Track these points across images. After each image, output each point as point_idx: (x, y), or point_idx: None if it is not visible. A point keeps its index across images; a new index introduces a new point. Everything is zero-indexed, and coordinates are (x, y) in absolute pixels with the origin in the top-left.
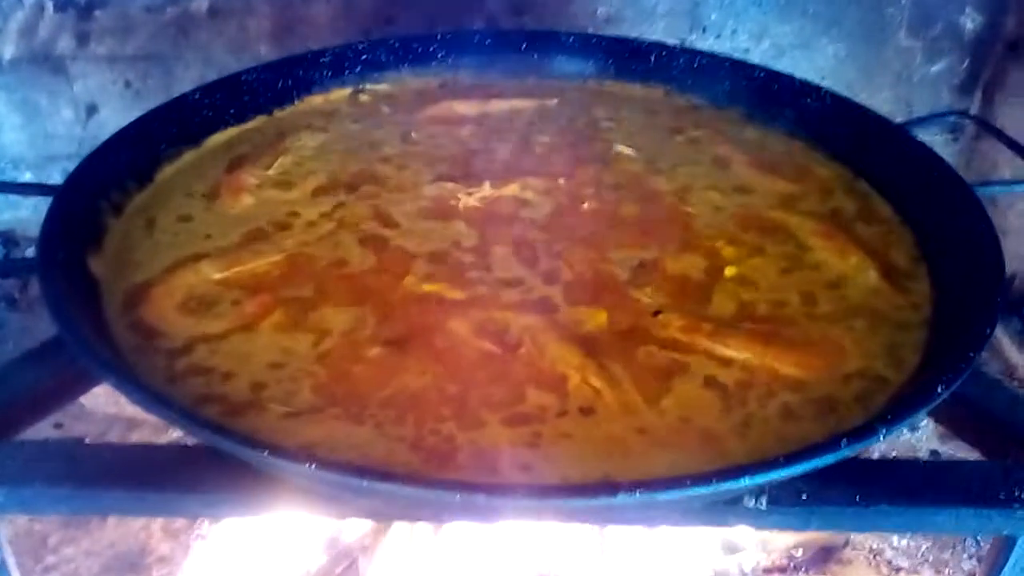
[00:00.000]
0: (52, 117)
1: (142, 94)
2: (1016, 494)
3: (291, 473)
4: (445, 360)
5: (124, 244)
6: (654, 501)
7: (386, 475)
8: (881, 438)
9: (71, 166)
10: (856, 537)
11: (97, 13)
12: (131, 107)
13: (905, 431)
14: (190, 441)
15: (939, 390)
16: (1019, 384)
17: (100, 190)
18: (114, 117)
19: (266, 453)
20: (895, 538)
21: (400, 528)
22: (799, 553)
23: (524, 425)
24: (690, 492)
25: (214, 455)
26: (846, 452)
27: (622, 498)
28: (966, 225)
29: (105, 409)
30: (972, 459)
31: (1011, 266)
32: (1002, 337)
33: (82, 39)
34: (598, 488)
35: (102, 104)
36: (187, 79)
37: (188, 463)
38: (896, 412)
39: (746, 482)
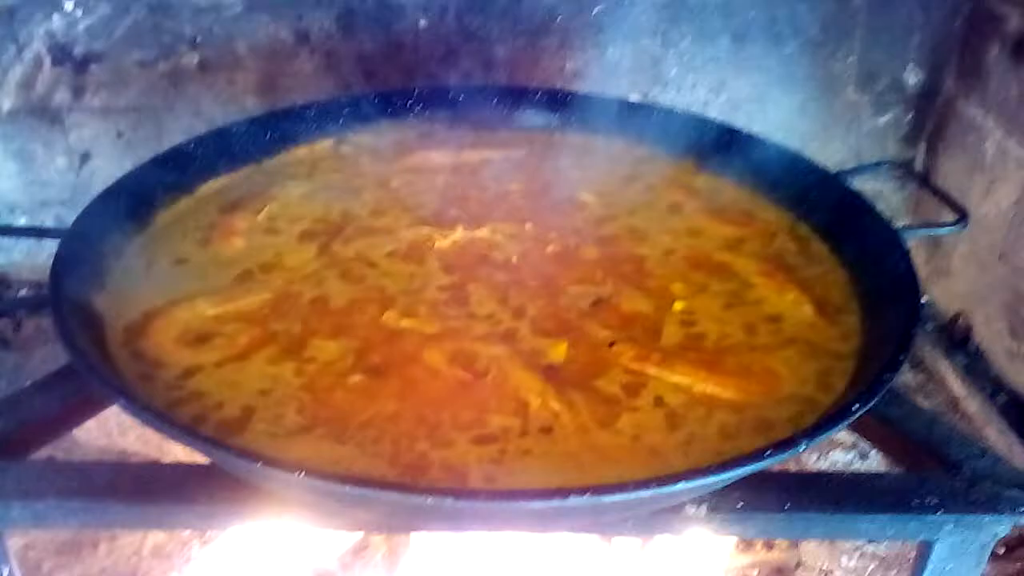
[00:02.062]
0: (47, 165)
1: (133, 143)
2: (929, 502)
3: (281, 483)
4: (419, 386)
5: (125, 283)
6: (601, 504)
7: (365, 482)
8: (802, 449)
9: (64, 211)
10: (807, 559)
11: (93, 67)
12: (123, 156)
13: (857, 460)
14: (188, 461)
15: (855, 408)
16: (962, 416)
17: (103, 234)
18: (106, 165)
19: (260, 464)
20: (844, 558)
21: (380, 547)
22: (755, 574)
23: (490, 443)
24: (632, 495)
25: (210, 473)
26: (770, 461)
27: (573, 500)
28: (891, 265)
29: (96, 442)
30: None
31: (955, 304)
32: (946, 372)
33: (78, 92)
34: (552, 492)
35: (95, 153)
36: (177, 130)
37: (187, 480)
38: (816, 427)
39: (681, 486)
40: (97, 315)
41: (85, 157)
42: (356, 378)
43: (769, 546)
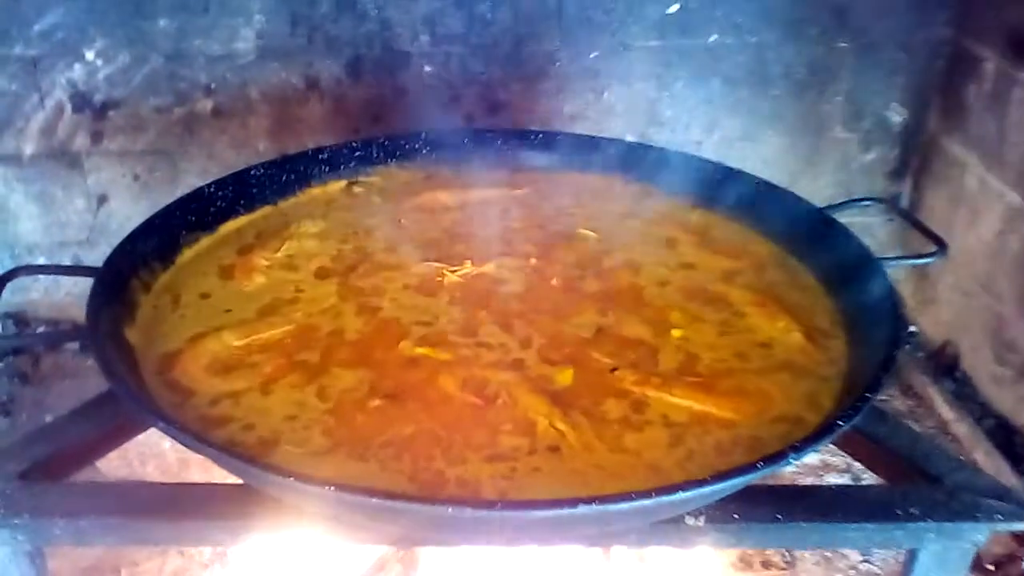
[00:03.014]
0: (66, 207)
1: (149, 185)
2: (912, 512)
3: (312, 498)
4: (434, 410)
5: (154, 317)
6: (607, 513)
7: (390, 495)
8: (791, 461)
9: (81, 252)
10: None
11: (111, 114)
12: (138, 198)
13: (849, 481)
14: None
15: (839, 424)
16: (952, 438)
17: (131, 271)
18: (122, 207)
19: (293, 480)
20: None
21: (394, 566)
22: None
23: (501, 462)
24: (636, 504)
25: (239, 492)
26: (761, 473)
27: (581, 509)
28: (874, 294)
29: (117, 471)
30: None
31: (942, 333)
32: (935, 397)
33: (96, 137)
34: (562, 502)
35: (112, 195)
36: (191, 172)
37: (217, 499)
38: (804, 442)
39: (680, 496)
40: (130, 347)
41: (102, 199)
42: (375, 402)
43: (767, 566)
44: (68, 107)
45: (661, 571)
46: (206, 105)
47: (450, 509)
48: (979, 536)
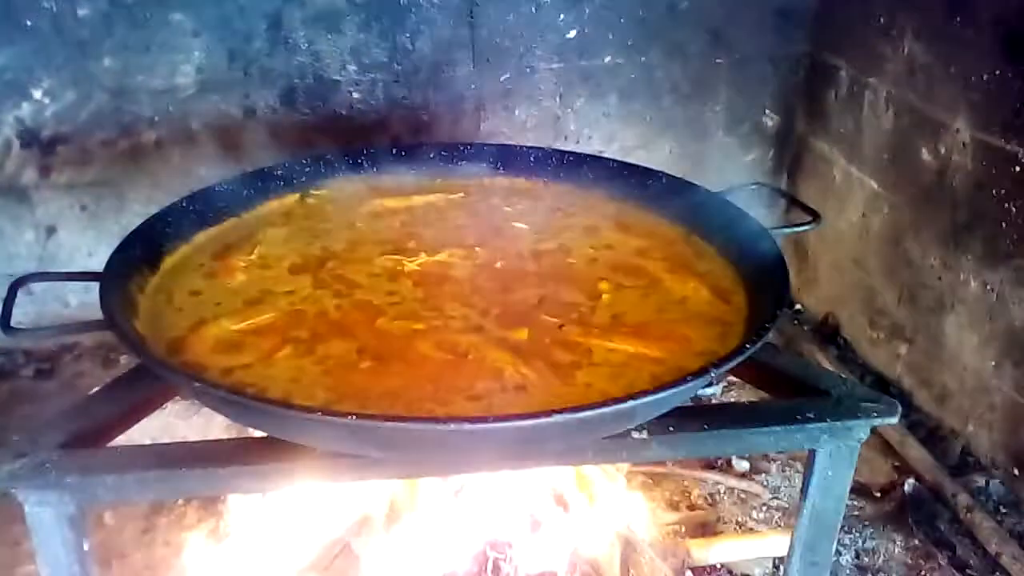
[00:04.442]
0: (15, 239)
1: (96, 215)
2: (809, 417)
3: (333, 431)
4: (417, 366)
5: (153, 313)
6: (574, 421)
7: (402, 418)
8: (712, 375)
9: (31, 283)
10: (725, 515)
11: (59, 148)
12: (86, 228)
13: None
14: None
15: (747, 348)
16: None
17: (126, 274)
18: (70, 237)
19: (319, 414)
20: (754, 512)
21: (379, 518)
22: (682, 529)
23: (479, 400)
24: (599, 411)
25: (262, 444)
26: (692, 384)
27: (556, 417)
28: (764, 255)
29: None
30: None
31: (824, 307)
32: (823, 361)
33: (44, 171)
34: (540, 413)
35: (60, 226)
36: (137, 200)
37: (244, 450)
38: (721, 360)
39: (631, 404)
40: (140, 336)
41: (51, 230)
42: (366, 364)
43: (692, 508)
44: (16, 144)
45: (601, 514)
46: (150, 136)
47: (451, 426)
48: (862, 433)
